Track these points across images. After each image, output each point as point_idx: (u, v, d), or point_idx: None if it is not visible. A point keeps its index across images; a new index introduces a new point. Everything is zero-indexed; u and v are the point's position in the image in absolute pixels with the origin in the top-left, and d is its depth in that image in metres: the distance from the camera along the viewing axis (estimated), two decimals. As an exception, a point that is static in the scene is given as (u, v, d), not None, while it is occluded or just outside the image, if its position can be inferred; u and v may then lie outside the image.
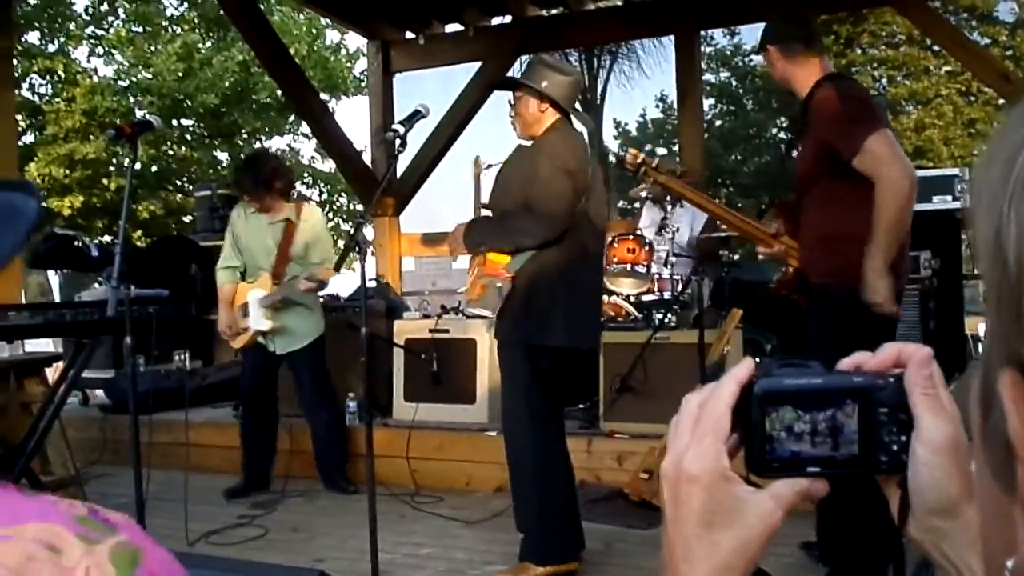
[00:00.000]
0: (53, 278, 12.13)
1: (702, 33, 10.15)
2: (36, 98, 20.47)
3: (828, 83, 3.74)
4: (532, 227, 4.02)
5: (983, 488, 0.53)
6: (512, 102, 4.27)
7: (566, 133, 4.17)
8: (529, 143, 4.21)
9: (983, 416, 0.51)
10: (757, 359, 6.25)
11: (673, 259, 6.59)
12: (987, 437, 0.51)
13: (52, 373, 6.00)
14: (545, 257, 4.04)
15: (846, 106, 3.59)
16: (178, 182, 22.48)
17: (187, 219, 21.72)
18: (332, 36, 22.97)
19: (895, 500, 0.72)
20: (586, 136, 4.35)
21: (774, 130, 26.84)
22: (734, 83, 27.30)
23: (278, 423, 6.10)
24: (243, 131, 22.52)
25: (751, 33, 26.04)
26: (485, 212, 4.38)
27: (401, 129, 3.94)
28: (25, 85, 20.03)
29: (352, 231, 4.00)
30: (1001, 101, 19.65)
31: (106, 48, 21.36)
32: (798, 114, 3.96)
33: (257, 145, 23.53)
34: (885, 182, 3.42)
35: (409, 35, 9.49)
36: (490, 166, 4.54)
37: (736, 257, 6.88)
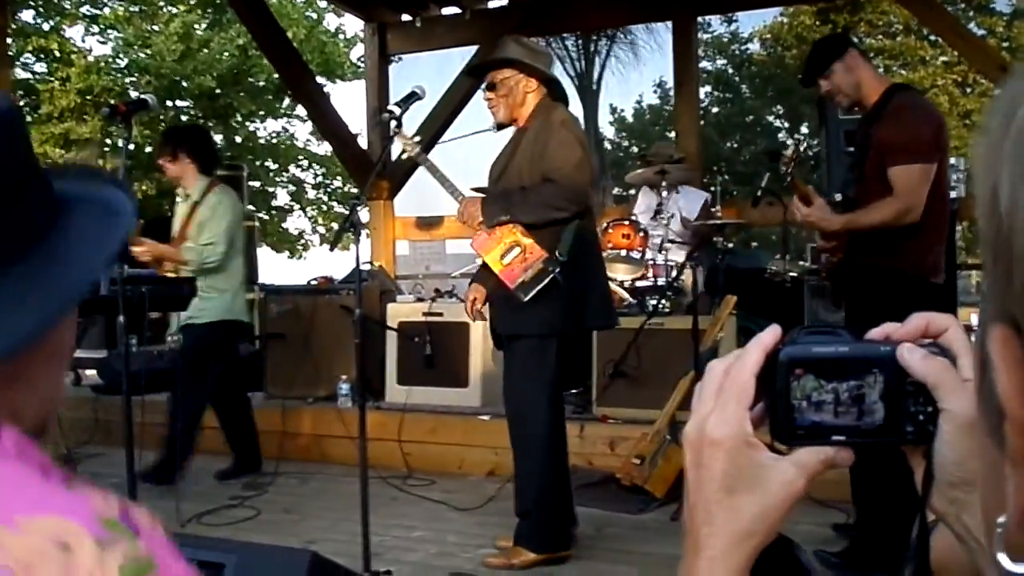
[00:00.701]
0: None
1: (699, 20, 10.13)
2: (31, 76, 20.37)
3: (910, 95, 4.15)
4: (562, 200, 3.96)
5: (980, 447, 0.53)
6: (493, 85, 4.15)
7: (564, 109, 4.16)
8: (514, 125, 4.15)
9: (979, 375, 0.51)
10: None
11: (668, 245, 6.58)
12: (982, 396, 0.51)
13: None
14: (583, 234, 4.02)
15: (913, 125, 3.93)
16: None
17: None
18: (330, 20, 22.91)
19: (920, 471, 0.72)
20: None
21: (770, 118, 26.82)
22: (730, 71, 27.27)
23: (241, 401, 6.06)
24: (238, 113, 22.45)
25: (748, 20, 26.08)
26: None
27: (397, 110, 3.93)
28: (19, 64, 19.94)
29: (347, 213, 3.94)
30: (998, 92, 19.56)
31: (102, 27, 21.25)
32: (865, 116, 4.22)
33: (253, 127, 23.48)
34: (880, 206, 3.88)
35: (406, 17, 9.45)
36: (433, 144, 4.48)
37: (730, 244, 6.88)
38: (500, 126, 4.22)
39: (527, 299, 3.93)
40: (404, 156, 4.41)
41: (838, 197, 4.36)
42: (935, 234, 4.02)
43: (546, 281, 3.91)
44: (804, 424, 0.71)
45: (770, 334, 0.73)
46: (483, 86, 4.20)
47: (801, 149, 4.35)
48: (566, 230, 3.97)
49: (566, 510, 4.25)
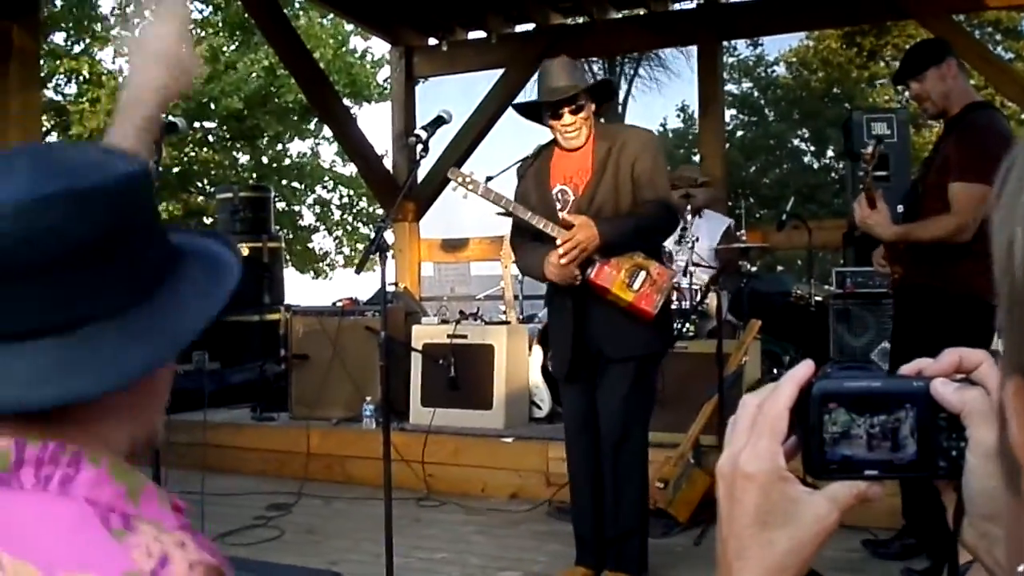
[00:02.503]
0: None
1: (724, 44, 10.15)
2: (61, 98, 20.60)
3: (989, 113, 4.16)
4: (668, 223, 4.04)
5: (1004, 495, 0.53)
6: (580, 108, 3.95)
7: (638, 128, 4.22)
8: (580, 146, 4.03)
9: (1000, 425, 0.52)
10: (775, 370, 6.25)
11: (692, 268, 6.58)
12: (1000, 448, 0.51)
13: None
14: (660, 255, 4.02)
15: (983, 143, 3.88)
16: (199, 184, 22.58)
17: (207, 220, 21.81)
18: (357, 43, 23.05)
19: (952, 505, 0.72)
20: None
21: (795, 141, 26.75)
22: (755, 93, 27.24)
23: None
24: (265, 134, 22.60)
25: (773, 44, 26.10)
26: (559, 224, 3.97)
27: (424, 135, 3.93)
28: (50, 85, 20.17)
29: (373, 235, 3.94)
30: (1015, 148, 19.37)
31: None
32: (942, 130, 4.29)
33: (280, 148, 23.61)
34: (937, 221, 3.91)
35: (432, 41, 9.52)
36: (490, 178, 4.19)
37: (754, 268, 6.88)
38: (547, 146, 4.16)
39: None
40: (462, 194, 4.24)
41: (900, 208, 4.34)
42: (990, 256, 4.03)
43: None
44: (836, 458, 0.72)
45: (803, 368, 0.74)
46: (557, 112, 3.96)
47: (881, 147, 4.33)
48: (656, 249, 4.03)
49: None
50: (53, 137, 20.18)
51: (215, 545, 0.87)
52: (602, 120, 4.23)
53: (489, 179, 4.19)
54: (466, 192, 4.18)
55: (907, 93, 4.43)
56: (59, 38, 20.30)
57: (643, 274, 3.87)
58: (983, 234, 3.88)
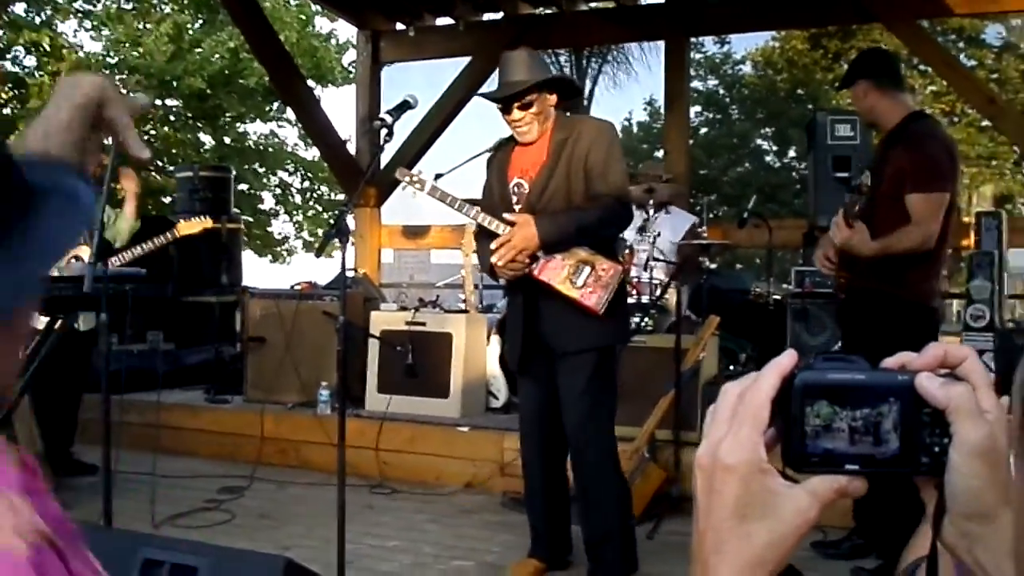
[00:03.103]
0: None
1: (692, 40, 10.19)
2: (20, 70, 20.29)
3: (929, 124, 4.36)
4: (624, 219, 3.98)
5: (1018, 490, 0.53)
6: (529, 104, 3.93)
7: (594, 118, 4.11)
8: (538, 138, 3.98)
9: (1020, 422, 0.51)
10: (732, 367, 6.29)
11: (653, 263, 6.60)
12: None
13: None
14: (618, 245, 3.99)
15: (935, 154, 4.08)
16: (159, 162, 22.36)
17: (166, 200, 21.61)
18: (322, 25, 22.90)
19: (932, 502, 0.71)
20: None
21: (759, 140, 26.93)
22: (721, 91, 27.39)
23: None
24: (227, 114, 22.41)
25: (740, 43, 26.23)
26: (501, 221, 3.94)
27: (389, 119, 3.88)
28: (9, 57, 19.87)
29: (335, 220, 3.90)
30: (984, 123, 19.95)
31: (94, 23, 21.20)
32: (880, 143, 4.44)
33: (241, 129, 23.42)
34: (908, 232, 3.99)
35: (400, 26, 9.47)
36: (439, 175, 4.14)
37: (714, 265, 6.91)
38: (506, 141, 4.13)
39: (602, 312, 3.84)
40: (411, 193, 4.17)
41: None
42: (935, 261, 4.17)
43: (614, 292, 3.86)
44: (817, 451, 0.71)
45: (787, 358, 0.72)
46: (508, 107, 3.96)
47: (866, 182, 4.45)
48: (615, 242, 3.99)
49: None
50: (10, 110, 19.90)
51: (65, 515, 0.83)
52: (567, 113, 4.18)
53: (439, 176, 4.16)
54: (414, 192, 4.15)
55: None
56: (19, 8, 19.99)
57: (587, 270, 3.84)
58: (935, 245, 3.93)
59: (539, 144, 4.00)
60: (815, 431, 0.70)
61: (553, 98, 4.00)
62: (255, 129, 23.77)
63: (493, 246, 3.89)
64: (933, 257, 4.12)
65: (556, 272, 3.87)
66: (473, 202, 4.08)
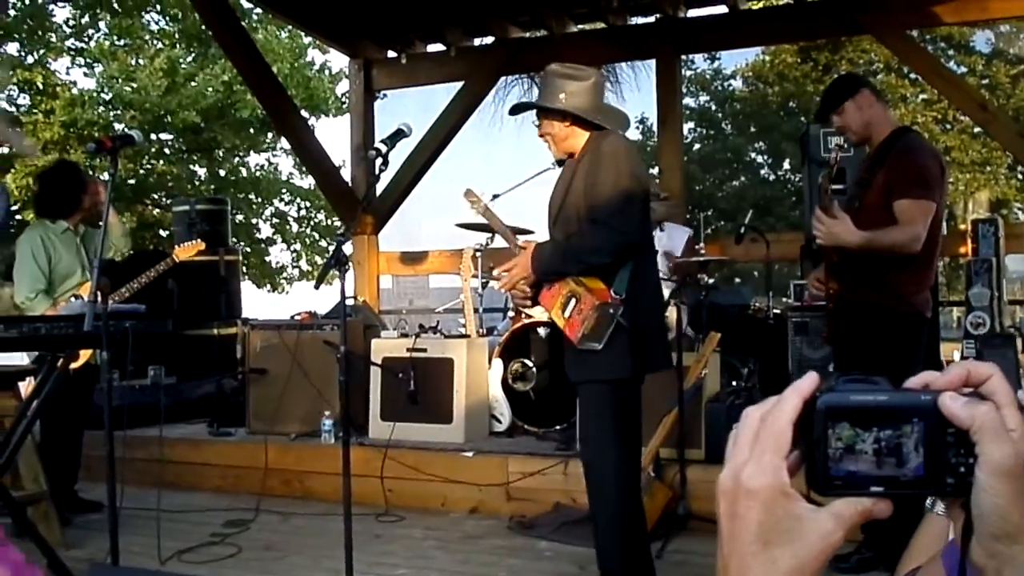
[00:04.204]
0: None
1: (682, 57, 10.23)
2: (15, 109, 20.35)
3: (917, 137, 4.49)
4: (600, 241, 3.72)
5: None
6: (536, 123, 4.03)
7: (616, 137, 3.89)
8: (569, 158, 3.95)
9: None
10: (734, 383, 6.28)
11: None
12: None
13: (25, 387, 5.95)
14: (643, 272, 3.79)
15: (922, 163, 4.16)
16: (155, 196, 22.40)
17: (163, 233, 21.62)
18: (315, 56, 22.99)
19: (959, 523, 0.70)
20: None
21: (752, 154, 26.99)
22: (713, 107, 27.46)
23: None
24: (222, 147, 22.47)
25: (730, 58, 26.30)
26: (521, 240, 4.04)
27: (384, 148, 3.90)
28: (3, 96, 19.93)
29: (333, 249, 3.90)
30: (977, 129, 19.99)
31: (87, 60, 21.27)
32: (870, 154, 4.42)
33: (236, 161, 23.47)
34: (895, 229, 4.07)
35: (391, 54, 9.52)
36: (496, 196, 4.27)
37: (712, 280, 6.91)
38: (559, 162, 4.06)
39: (601, 347, 3.70)
40: (477, 215, 4.19)
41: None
42: (926, 272, 4.22)
43: (613, 326, 3.69)
44: (841, 474, 0.70)
45: (808, 381, 0.71)
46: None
47: (840, 155, 4.49)
48: (622, 268, 3.74)
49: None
50: (6, 149, 19.94)
51: (23, 559, 0.83)
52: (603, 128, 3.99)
53: (495, 197, 4.26)
54: (476, 212, 4.18)
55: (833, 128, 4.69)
56: (12, 48, 20.07)
57: (573, 301, 3.77)
58: (923, 250, 3.97)
59: (571, 161, 3.95)
60: (838, 454, 0.70)
61: (560, 125, 3.92)
62: (250, 160, 23.85)
63: (495, 272, 3.93)
64: (925, 267, 4.18)
65: (553, 300, 3.85)
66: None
